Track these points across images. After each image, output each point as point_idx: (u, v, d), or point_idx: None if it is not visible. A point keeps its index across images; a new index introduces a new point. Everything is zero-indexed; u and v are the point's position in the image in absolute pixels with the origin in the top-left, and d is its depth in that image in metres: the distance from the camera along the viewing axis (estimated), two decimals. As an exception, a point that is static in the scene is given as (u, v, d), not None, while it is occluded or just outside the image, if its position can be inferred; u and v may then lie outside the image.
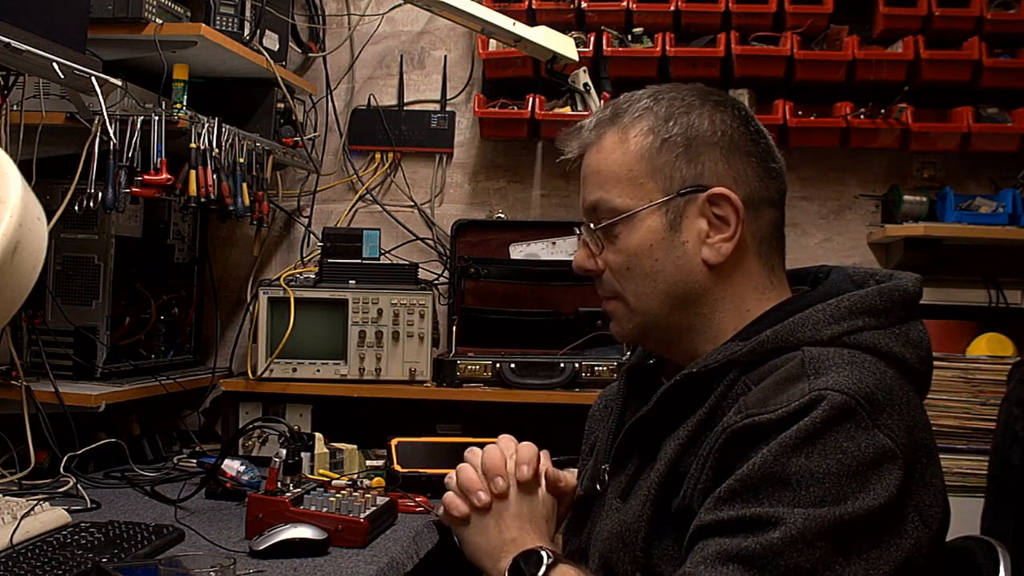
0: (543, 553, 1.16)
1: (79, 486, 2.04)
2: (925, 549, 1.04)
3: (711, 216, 1.17)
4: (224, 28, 2.45)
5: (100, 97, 1.97)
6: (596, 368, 2.55)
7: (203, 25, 2.33)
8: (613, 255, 1.22)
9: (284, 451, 1.85)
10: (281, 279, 2.62)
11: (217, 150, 2.30)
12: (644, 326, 1.23)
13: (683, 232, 1.18)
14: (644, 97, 1.23)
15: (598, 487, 1.28)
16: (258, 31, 2.55)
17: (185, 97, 2.32)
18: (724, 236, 1.17)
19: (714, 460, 1.06)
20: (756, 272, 1.20)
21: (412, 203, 2.99)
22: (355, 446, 2.42)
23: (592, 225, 1.23)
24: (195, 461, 2.42)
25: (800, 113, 2.72)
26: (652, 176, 1.18)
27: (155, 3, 2.25)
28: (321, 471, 2.28)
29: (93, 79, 1.95)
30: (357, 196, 2.99)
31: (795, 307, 1.16)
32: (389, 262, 2.82)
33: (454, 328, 2.72)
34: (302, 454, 2.04)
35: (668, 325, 1.21)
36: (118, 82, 2.05)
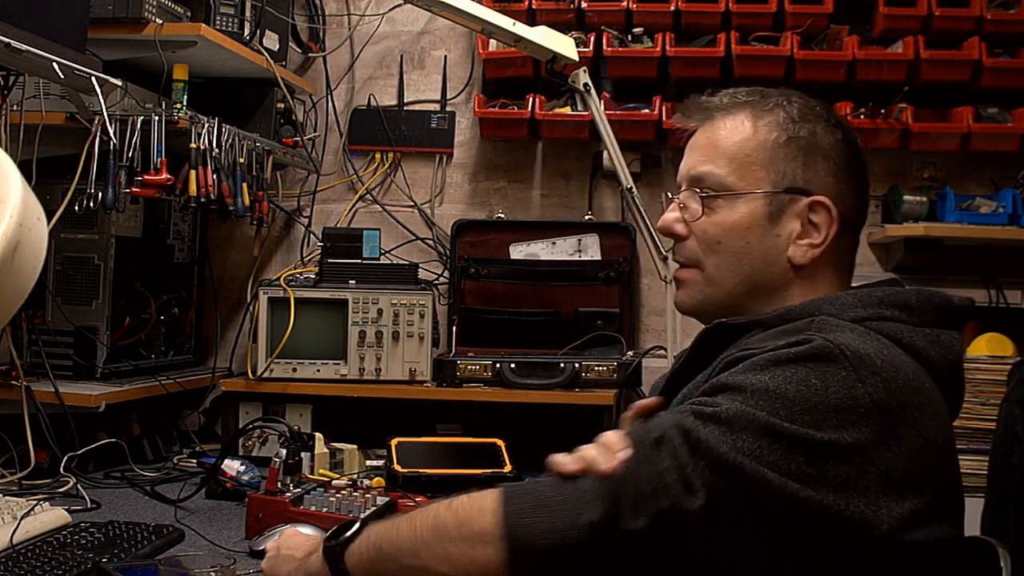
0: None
1: (79, 486, 2.04)
2: (875, 532, 1.01)
3: (806, 220, 1.22)
4: (224, 28, 2.45)
5: (100, 97, 1.97)
6: (596, 368, 2.55)
7: (203, 25, 2.33)
8: (709, 226, 1.25)
9: (284, 451, 1.86)
10: (281, 279, 2.62)
11: (217, 150, 2.30)
12: (713, 299, 1.27)
13: (779, 226, 1.23)
14: (778, 94, 1.28)
15: None
16: (258, 31, 2.55)
17: (185, 97, 2.33)
18: (813, 241, 1.22)
19: (705, 388, 1.10)
20: (828, 283, 1.24)
21: (412, 203, 2.99)
22: (355, 446, 2.42)
23: (697, 190, 1.27)
24: (195, 461, 2.42)
25: (800, 113, 2.72)
26: (766, 166, 1.23)
27: (155, 3, 2.25)
28: (321, 471, 2.28)
29: (93, 79, 1.95)
30: (357, 196, 2.99)
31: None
32: (389, 262, 2.82)
33: (454, 328, 2.72)
34: (302, 454, 2.04)
35: (735, 305, 1.25)
36: (118, 82, 2.05)
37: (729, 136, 1.25)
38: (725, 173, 1.24)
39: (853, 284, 1.29)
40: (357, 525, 1.19)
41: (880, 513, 1.00)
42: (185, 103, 2.32)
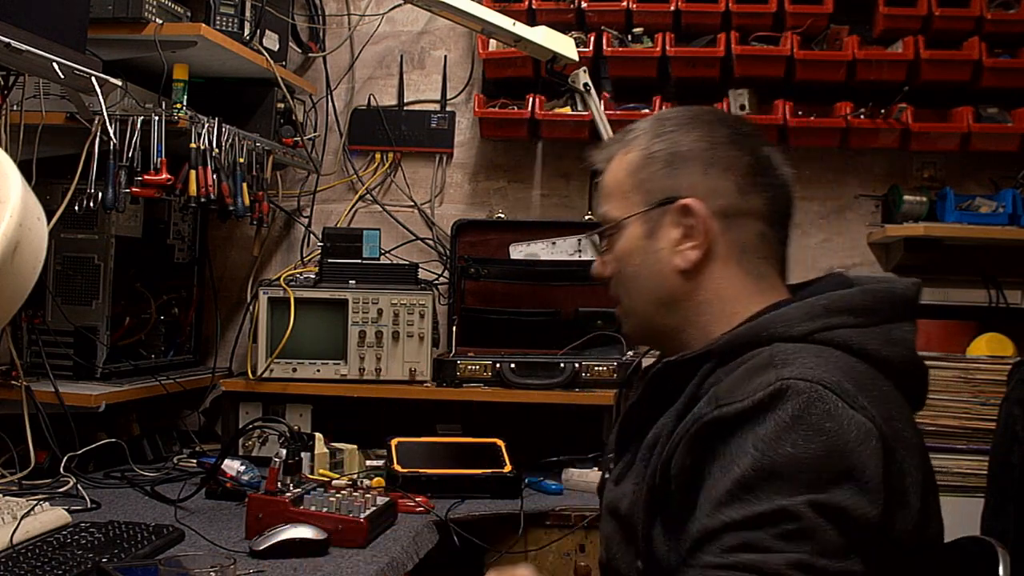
0: None
1: (79, 486, 2.04)
2: (904, 537, 1.06)
3: (684, 226, 1.24)
4: (224, 28, 2.45)
5: (100, 97, 1.97)
6: (596, 368, 2.55)
7: (203, 25, 2.33)
8: (610, 261, 1.32)
9: (284, 451, 1.85)
10: (281, 279, 2.62)
11: (217, 150, 2.30)
12: (639, 326, 1.32)
13: (659, 240, 1.26)
14: (646, 120, 1.33)
15: (607, 476, 1.35)
16: (258, 31, 2.55)
17: (185, 97, 2.33)
18: (692, 244, 1.24)
19: (685, 447, 1.10)
20: (738, 278, 1.25)
21: (412, 203, 2.99)
22: (355, 446, 2.42)
23: (596, 233, 1.34)
24: (195, 461, 2.42)
25: (800, 113, 2.72)
26: (637, 189, 1.28)
27: (155, 3, 2.25)
28: (321, 471, 2.28)
29: (93, 79, 1.95)
30: (357, 196, 2.99)
31: (777, 307, 1.21)
32: (389, 262, 2.82)
33: (454, 328, 2.72)
34: (302, 454, 2.04)
35: (658, 325, 1.29)
36: (118, 82, 2.05)
37: (608, 178, 1.32)
38: (609, 209, 1.31)
39: (797, 282, 1.30)
40: None
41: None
42: (185, 103, 2.32)
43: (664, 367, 1.22)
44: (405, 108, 3.01)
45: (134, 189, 2.17)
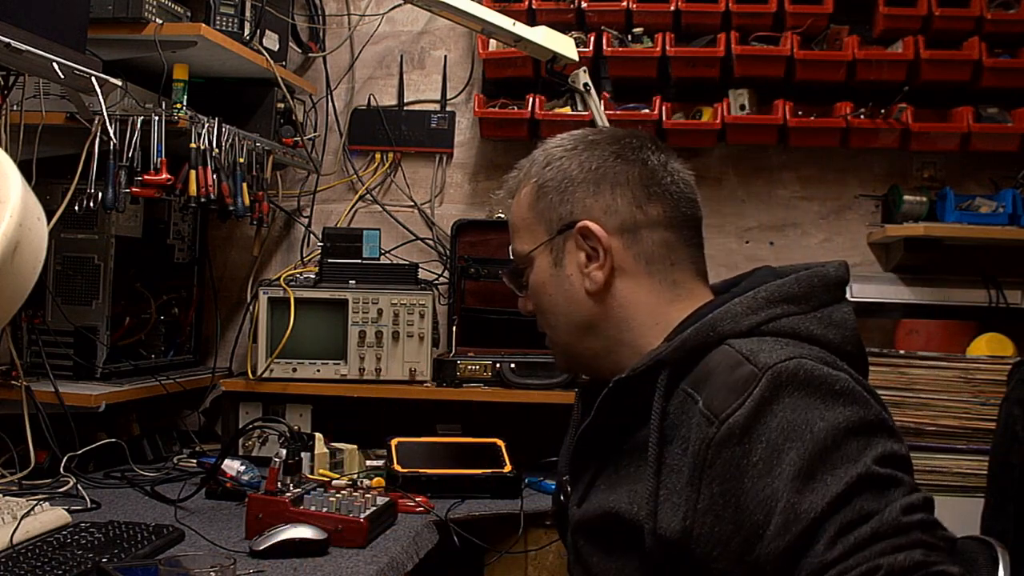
0: None
1: (79, 486, 2.04)
2: None
3: (587, 248, 1.25)
4: (224, 28, 2.45)
5: (100, 97, 1.97)
6: (596, 368, 2.54)
7: (203, 25, 2.33)
8: (529, 297, 1.33)
9: (284, 451, 1.85)
10: (281, 279, 2.62)
11: (217, 150, 2.30)
12: (566, 355, 1.34)
13: (566, 267, 1.27)
14: (537, 151, 1.34)
15: (563, 498, 1.33)
16: (258, 31, 2.55)
17: (185, 97, 2.33)
18: (597, 265, 1.25)
19: (710, 478, 1.05)
20: (651, 290, 1.25)
21: (412, 203, 2.99)
22: (355, 446, 2.42)
23: (509, 272, 1.36)
24: (195, 461, 2.42)
25: (800, 113, 2.72)
26: (538, 221, 1.29)
27: (155, 3, 2.25)
28: (321, 471, 2.28)
29: (93, 79, 1.94)
30: (357, 196, 2.99)
31: (717, 305, 1.20)
32: (389, 262, 2.82)
33: (454, 328, 2.72)
34: (302, 454, 2.03)
35: (584, 352, 1.30)
36: (118, 82, 2.05)
37: (514, 215, 1.34)
38: (518, 244, 1.32)
39: (725, 279, 1.30)
40: None
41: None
42: (185, 103, 2.32)
43: (615, 385, 1.19)
44: (405, 108, 3.01)
45: (134, 189, 2.17)
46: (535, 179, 1.30)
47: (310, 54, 2.99)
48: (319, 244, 2.77)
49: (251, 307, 2.75)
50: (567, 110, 2.78)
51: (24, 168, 1.52)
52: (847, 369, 1.10)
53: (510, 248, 1.36)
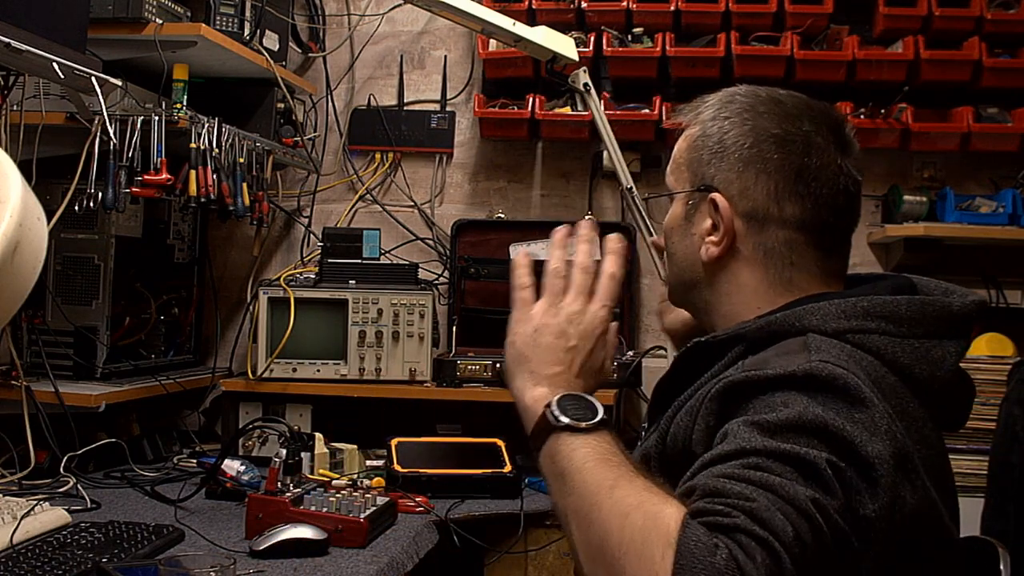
0: (598, 405, 1.10)
1: (79, 486, 2.04)
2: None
3: (715, 218, 1.23)
4: (224, 28, 2.45)
5: (100, 97, 1.97)
6: (596, 368, 2.54)
7: (203, 25, 2.33)
8: (662, 231, 1.33)
9: (284, 451, 1.86)
10: (281, 279, 2.62)
11: (217, 150, 2.30)
12: (675, 294, 1.34)
13: (695, 224, 1.26)
14: (721, 93, 1.28)
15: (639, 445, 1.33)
16: (258, 31, 2.55)
17: (185, 97, 2.33)
18: (715, 239, 1.23)
19: (708, 408, 1.07)
20: (763, 280, 1.22)
21: (412, 203, 2.99)
22: (355, 446, 2.42)
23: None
24: (195, 461, 2.42)
25: (800, 113, 2.72)
26: (688, 166, 1.27)
27: (155, 3, 2.25)
28: (321, 471, 2.28)
29: (93, 79, 1.94)
30: (357, 196, 2.99)
31: (817, 300, 1.16)
32: (389, 262, 2.82)
33: (454, 328, 2.72)
34: (302, 454, 2.04)
35: (686, 301, 1.32)
36: (118, 82, 2.05)
37: (678, 145, 1.31)
38: (669, 177, 1.31)
39: (856, 273, 1.27)
40: (592, 438, 1.07)
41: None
42: (185, 103, 2.32)
43: (694, 346, 1.21)
44: (405, 108, 3.01)
45: (134, 189, 2.17)
46: (699, 127, 1.26)
47: (310, 54, 2.99)
48: (319, 244, 2.78)
49: (251, 307, 2.75)
50: (567, 110, 2.78)
51: (24, 168, 1.52)
52: (890, 413, 1.02)
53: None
